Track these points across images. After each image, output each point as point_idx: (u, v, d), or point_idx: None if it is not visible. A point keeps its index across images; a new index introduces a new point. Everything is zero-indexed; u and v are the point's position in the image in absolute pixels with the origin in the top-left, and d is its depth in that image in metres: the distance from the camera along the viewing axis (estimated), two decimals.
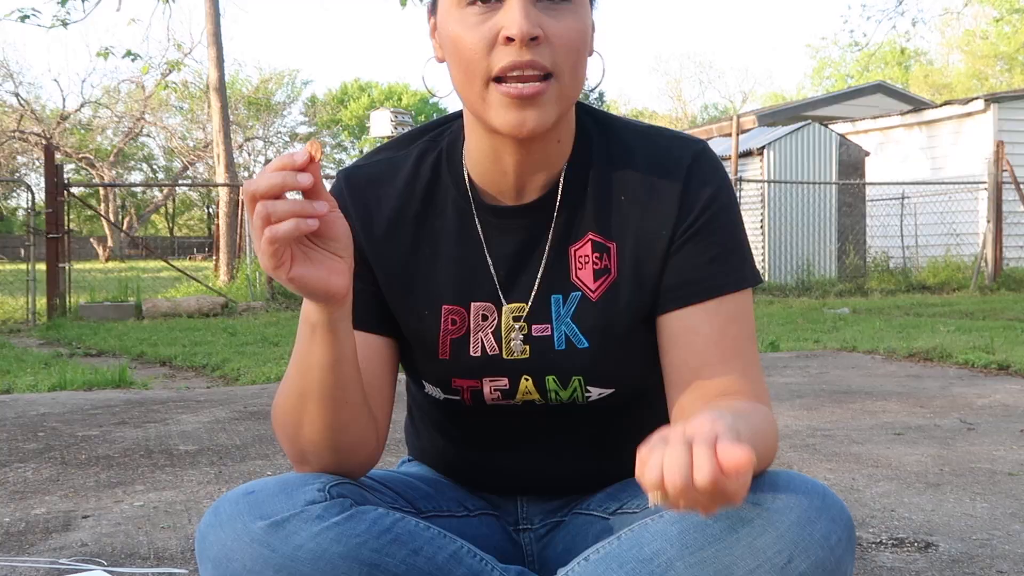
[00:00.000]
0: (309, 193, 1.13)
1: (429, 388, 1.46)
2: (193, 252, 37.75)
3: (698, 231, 1.36)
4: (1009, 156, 13.05)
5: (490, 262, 1.39)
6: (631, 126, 1.42)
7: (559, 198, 1.38)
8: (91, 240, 36.74)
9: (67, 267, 9.86)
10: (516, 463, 1.51)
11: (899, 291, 12.47)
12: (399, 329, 1.43)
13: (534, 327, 1.38)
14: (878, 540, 2.18)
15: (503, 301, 1.39)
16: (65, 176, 10.18)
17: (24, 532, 2.36)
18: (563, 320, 1.39)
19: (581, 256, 1.39)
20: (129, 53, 13.53)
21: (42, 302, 9.86)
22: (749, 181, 13.06)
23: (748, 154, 13.36)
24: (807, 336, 7.11)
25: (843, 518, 1.26)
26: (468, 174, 1.39)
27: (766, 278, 13.02)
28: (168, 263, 11.89)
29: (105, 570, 2.02)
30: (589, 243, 1.38)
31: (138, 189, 43.30)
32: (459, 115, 1.44)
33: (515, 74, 1.23)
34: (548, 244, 1.39)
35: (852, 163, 13.84)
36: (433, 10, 1.34)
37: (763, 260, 13.22)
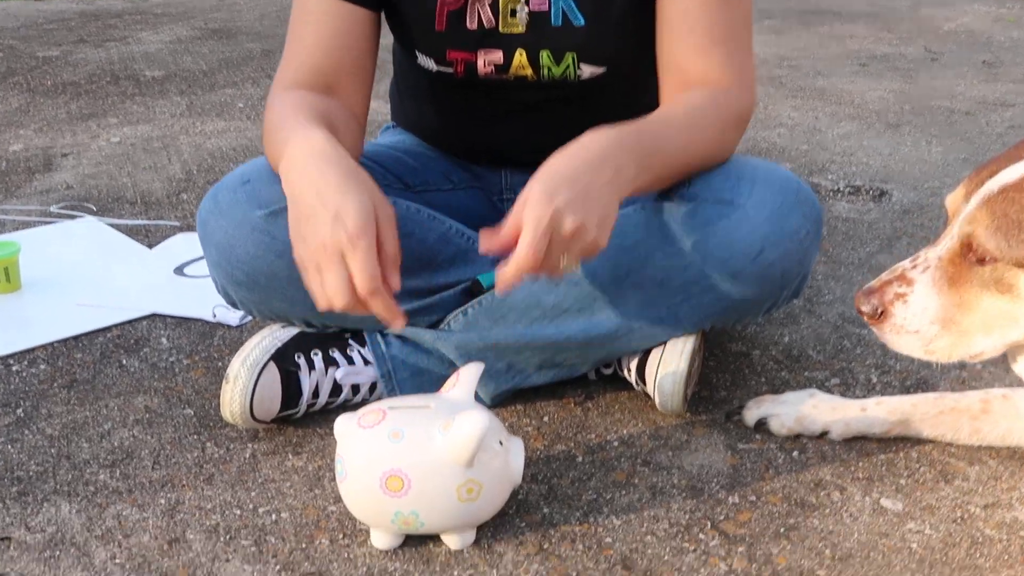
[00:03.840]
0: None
1: (422, 59, 1.45)
2: None
3: None
4: None
5: None
6: None
7: None
8: None
9: None
10: (503, 134, 1.55)
11: None
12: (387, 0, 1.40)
13: (532, 2, 1.37)
14: (836, 188, 2.29)
15: None
16: None
17: (6, 172, 2.40)
18: None
19: None
20: None
21: None
22: None
23: None
24: None
25: (813, 213, 1.34)
26: None
27: None
28: None
29: (97, 218, 2.09)
30: None
31: None
32: None
33: None
34: None
35: None
36: None
37: None
